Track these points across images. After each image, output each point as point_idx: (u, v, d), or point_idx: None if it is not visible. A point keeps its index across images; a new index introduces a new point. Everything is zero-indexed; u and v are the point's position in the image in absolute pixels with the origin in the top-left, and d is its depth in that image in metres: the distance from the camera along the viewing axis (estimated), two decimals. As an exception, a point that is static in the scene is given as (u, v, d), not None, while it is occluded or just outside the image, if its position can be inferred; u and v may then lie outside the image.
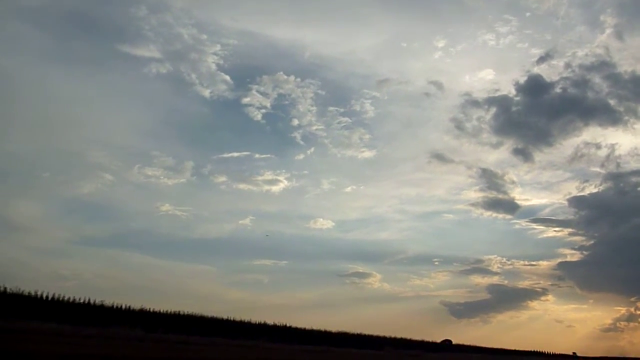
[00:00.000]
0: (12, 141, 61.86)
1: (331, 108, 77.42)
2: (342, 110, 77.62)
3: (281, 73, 75.01)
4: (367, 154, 78.61)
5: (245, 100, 71.26)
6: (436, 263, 78.37)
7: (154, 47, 68.22)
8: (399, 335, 56.82)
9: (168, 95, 73.40)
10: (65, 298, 32.36)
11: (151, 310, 37.04)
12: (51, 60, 67.71)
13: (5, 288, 30.28)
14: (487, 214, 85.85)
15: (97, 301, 33.82)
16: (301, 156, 76.43)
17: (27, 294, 30.92)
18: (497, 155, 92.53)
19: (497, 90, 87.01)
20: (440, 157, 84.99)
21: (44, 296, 31.48)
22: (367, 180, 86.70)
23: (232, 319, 41.89)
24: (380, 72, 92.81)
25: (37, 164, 62.84)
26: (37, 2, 65.08)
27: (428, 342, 60.37)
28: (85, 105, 68.18)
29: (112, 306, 34.62)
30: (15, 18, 61.36)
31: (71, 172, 66.82)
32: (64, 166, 66.53)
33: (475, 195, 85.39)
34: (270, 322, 44.91)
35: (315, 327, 48.55)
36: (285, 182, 73.00)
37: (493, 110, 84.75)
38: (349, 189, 79.53)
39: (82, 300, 33.09)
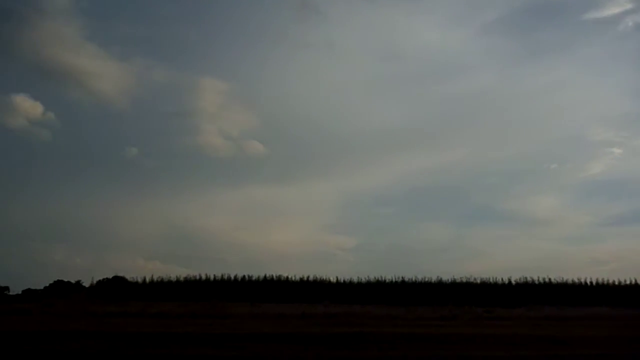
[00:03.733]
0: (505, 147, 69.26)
1: None
2: None
3: None
4: None
5: None
6: None
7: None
8: None
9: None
10: (606, 281, 33.23)
11: None
12: (517, 59, 73.00)
13: (549, 279, 33.47)
14: None
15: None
16: None
17: (570, 282, 33.19)
18: None
19: None
20: None
21: (586, 282, 33.09)
22: None
23: None
24: None
25: (541, 158, 67.76)
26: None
27: None
28: (580, 88, 70.01)
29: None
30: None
31: (575, 157, 68.76)
32: (567, 153, 68.96)
33: None
34: None
35: None
36: None
37: None
38: None
39: (626, 282, 33.20)
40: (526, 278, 38.76)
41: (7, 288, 54.30)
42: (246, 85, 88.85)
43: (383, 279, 42.33)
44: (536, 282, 37.77)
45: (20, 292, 51.33)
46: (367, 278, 42.91)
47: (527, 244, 60.76)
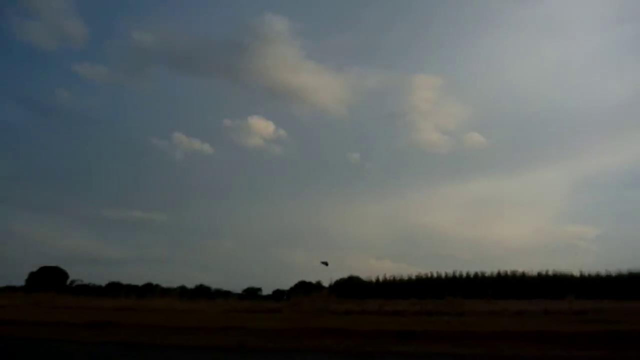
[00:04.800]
0: None
1: None
2: None
3: None
4: None
5: None
6: None
7: None
8: None
9: None
10: None
11: None
12: None
13: None
14: None
15: None
16: None
17: None
18: None
19: None
20: None
21: None
22: None
23: None
24: None
25: None
26: None
27: None
28: None
29: None
30: None
31: None
32: None
33: None
34: None
35: None
36: None
37: None
38: None
39: None
40: None
41: (259, 289, 60.96)
42: (459, 77, 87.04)
43: (638, 270, 37.81)
44: None
45: (270, 293, 57.27)
46: (617, 270, 38.73)
47: None
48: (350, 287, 46.90)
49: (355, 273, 54.37)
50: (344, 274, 56.46)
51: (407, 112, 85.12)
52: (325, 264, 39.08)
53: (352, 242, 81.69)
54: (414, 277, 43.96)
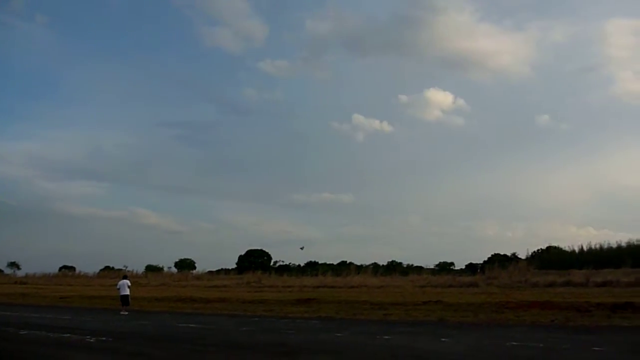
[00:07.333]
0: None
1: None
2: None
3: None
4: None
5: None
6: None
7: None
8: None
9: None
10: None
11: None
12: None
13: None
14: None
15: None
16: None
17: None
18: None
19: None
20: None
21: None
22: None
23: None
24: None
25: None
26: None
27: None
28: None
29: None
30: None
31: None
32: None
33: None
34: None
35: None
36: None
37: None
38: None
39: None
40: None
41: (452, 263, 60.15)
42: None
43: None
44: None
45: (463, 267, 56.16)
46: None
47: None
48: (550, 257, 44.02)
49: (554, 242, 50.90)
50: (542, 244, 53.21)
51: (602, 63, 76.75)
52: (301, 248, 38.70)
53: (548, 210, 76.53)
54: (624, 244, 39.75)
